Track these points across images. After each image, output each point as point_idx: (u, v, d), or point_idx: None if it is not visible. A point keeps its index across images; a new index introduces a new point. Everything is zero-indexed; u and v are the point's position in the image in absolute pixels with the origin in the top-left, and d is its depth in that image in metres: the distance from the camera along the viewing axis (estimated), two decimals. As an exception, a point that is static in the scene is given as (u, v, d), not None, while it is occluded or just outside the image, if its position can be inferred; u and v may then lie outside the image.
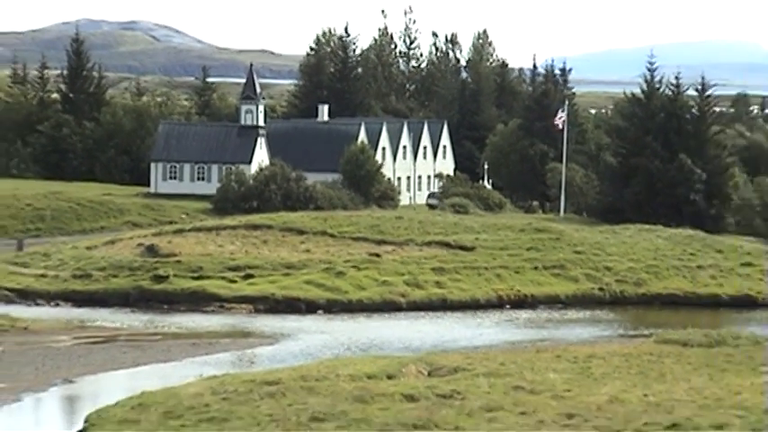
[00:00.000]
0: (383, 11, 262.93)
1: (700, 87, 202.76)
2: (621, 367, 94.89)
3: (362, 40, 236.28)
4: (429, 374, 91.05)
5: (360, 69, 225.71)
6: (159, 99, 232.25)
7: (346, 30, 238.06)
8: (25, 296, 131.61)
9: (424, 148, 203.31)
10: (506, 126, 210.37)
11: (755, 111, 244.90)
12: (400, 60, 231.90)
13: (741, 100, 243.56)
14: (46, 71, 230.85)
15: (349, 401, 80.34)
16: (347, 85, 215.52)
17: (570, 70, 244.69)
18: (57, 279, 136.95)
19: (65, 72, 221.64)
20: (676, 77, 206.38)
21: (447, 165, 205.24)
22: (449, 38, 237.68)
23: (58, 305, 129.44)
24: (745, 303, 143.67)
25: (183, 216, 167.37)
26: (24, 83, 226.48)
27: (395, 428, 73.83)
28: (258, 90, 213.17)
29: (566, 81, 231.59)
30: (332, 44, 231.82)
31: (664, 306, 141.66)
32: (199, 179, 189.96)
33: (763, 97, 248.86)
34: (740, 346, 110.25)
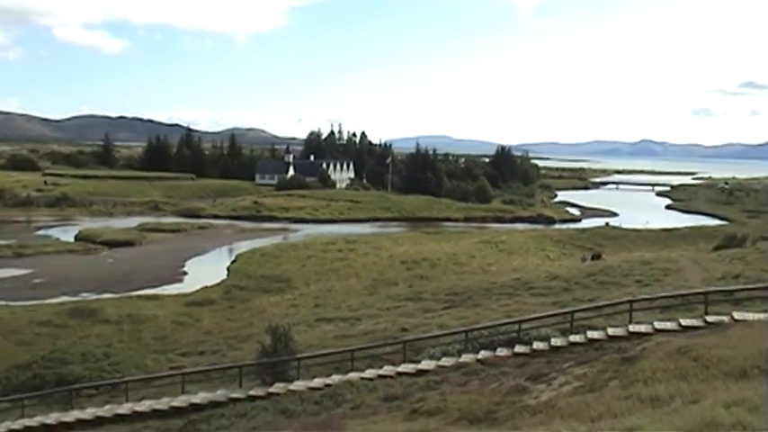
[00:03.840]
0: (332, 124, 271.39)
1: (433, 151, 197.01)
2: (408, 241, 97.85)
3: (324, 133, 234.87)
4: (346, 242, 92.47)
5: (323, 144, 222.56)
6: (257, 153, 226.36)
7: (319, 130, 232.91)
8: (215, 217, 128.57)
9: (345, 168, 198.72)
10: (371, 162, 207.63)
11: (457, 160, 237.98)
12: (336, 140, 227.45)
13: (448, 156, 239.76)
14: (222, 144, 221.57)
15: (320, 251, 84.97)
16: (319, 150, 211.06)
17: (391, 145, 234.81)
18: (225, 211, 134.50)
19: (230, 145, 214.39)
20: (425, 147, 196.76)
21: (351, 174, 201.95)
22: (353, 133, 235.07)
23: (225, 220, 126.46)
24: (449, 220, 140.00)
25: (266, 193, 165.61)
26: (216, 148, 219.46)
27: (335, 260, 78.49)
28: (290, 150, 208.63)
29: (390, 147, 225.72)
30: (314, 135, 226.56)
31: (422, 221, 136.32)
32: (270, 178, 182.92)
33: (457, 156, 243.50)
34: (447, 232, 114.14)
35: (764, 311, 26.10)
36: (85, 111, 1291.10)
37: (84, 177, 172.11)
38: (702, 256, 55.95)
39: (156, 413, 30.44)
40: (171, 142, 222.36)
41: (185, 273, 77.09)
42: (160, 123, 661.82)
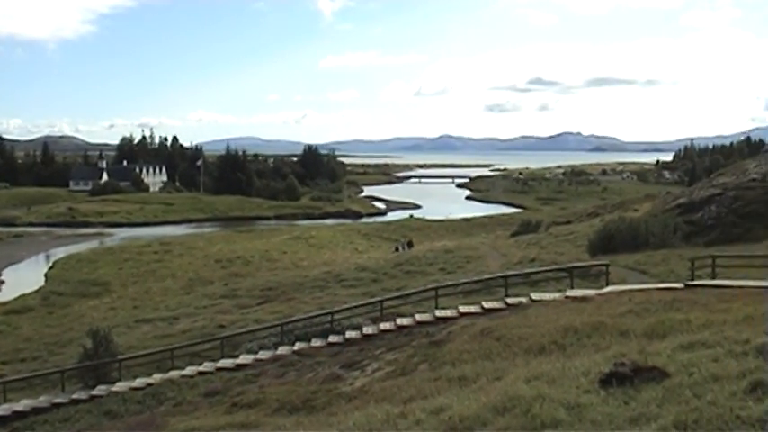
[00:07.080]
0: (143, 129, 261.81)
1: (243, 152, 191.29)
2: (222, 240, 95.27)
3: (136, 138, 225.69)
4: (161, 244, 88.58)
5: (136, 149, 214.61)
6: (70, 160, 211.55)
7: (131, 136, 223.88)
8: (30, 225, 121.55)
9: (157, 172, 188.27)
10: (183, 165, 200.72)
11: (266, 160, 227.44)
12: (148, 145, 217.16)
13: (257, 157, 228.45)
14: (35, 152, 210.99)
15: (136, 254, 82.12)
16: (132, 155, 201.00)
17: (202, 147, 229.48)
18: (40, 218, 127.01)
19: (43, 153, 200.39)
20: (235, 149, 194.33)
21: (164, 178, 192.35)
22: (164, 137, 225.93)
23: (41, 228, 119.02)
24: (260, 218, 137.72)
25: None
26: (29, 156, 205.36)
27: (151, 262, 76.11)
28: (103, 156, 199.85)
29: (201, 150, 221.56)
30: (127, 141, 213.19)
31: (234, 220, 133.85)
32: (85, 185, 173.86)
33: (266, 157, 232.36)
34: (259, 230, 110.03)
35: (559, 291, 27.38)
36: None
37: None
38: (501, 242, 58.15)
39: (-24, 423, 29.31)
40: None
41: (2, 281, 74.31)
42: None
